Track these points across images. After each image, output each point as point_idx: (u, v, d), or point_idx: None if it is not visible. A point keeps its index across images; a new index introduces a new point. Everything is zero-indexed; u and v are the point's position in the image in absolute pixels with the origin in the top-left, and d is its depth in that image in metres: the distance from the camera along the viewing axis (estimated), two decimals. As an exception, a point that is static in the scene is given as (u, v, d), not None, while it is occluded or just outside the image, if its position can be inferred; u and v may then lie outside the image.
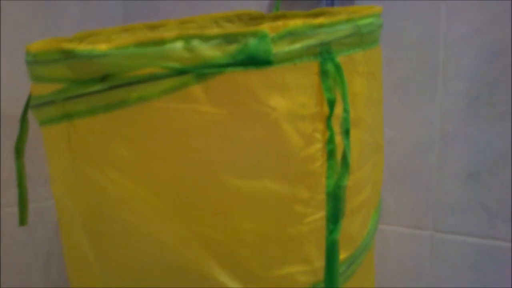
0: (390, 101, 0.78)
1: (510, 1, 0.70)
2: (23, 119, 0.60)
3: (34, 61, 0.51)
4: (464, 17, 0.74)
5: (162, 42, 0.44)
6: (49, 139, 0.55)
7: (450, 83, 0.75)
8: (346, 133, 0.48)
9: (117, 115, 0.47)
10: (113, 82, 0.46)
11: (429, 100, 0.77)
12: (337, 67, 0.48)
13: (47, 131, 0.55)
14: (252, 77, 0.45)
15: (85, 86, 0.47)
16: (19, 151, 0.61)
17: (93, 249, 0.52)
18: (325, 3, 0.79)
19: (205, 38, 0.44)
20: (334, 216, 0.48)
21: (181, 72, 0.44)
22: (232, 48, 0.44)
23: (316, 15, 0.64)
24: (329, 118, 0.48)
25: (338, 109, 0.49)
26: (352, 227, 0.54)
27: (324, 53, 0.48)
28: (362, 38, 0.52)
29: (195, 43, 0.44)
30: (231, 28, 0.75)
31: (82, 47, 0.46)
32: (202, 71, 0.44)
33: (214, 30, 0.43)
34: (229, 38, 0.44)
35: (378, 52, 0.58)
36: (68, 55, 0.47)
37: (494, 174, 0.75)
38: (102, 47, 0.46)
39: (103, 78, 0.46)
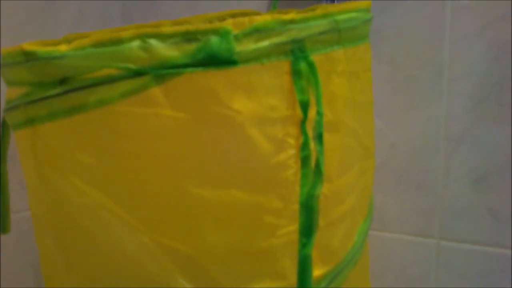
0: (394, 101, 0.77)
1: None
2: (4, 125, 0.59)
3: (4, 64, 0.50)
4: (470, 14, 0.72)
5: (119, 41, 0.41)
6: (19, 144, 0.54)
7: (456, 83, 0.73)
8: (319, 138, 0.45)
9: (77, 120, 0.45)
10: (72, 84, 0.44)
11: (434, 100, 0.75)
12: (311, 66, 0.45)
13: (17, 136, 0.53)
14: (214, 78, 0.42)
15: (45, 89, 0.45)
16: (1, 158, 0.60)
17: (61, 257, 0.51)
18: (325, 1, 0.76)
19: (163, 37, 0.41)
20: (307, 229, 0.45)
21: (138, 73, 0.42)
22: (192, 47, 0.41)
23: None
24: (303, 122, 0.45)
25: (313, 112, 0.46)
26: (333, 239, 0.50)
27: (296, 51, 0.45)
28: (341, 35, 0.48)
29: (152, 42, 0.41)
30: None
31: (42, 49, 0.44)
32: (160, 72, 0.41)
33: (173, 28, 0.40)
34: (188, 36, 0.41)
35: (365, 50, 0.54)
36: (29, 57, 0.45)
37: (503, 178, 0.72)
38: (62, 48, 0.44)
39: (62, 81, 0.44)
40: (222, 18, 0.73)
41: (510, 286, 0.72)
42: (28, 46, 0.46)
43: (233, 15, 0.73)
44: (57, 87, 0.44)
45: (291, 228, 0.47)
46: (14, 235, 0.80)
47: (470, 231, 0.74)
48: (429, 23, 0.74)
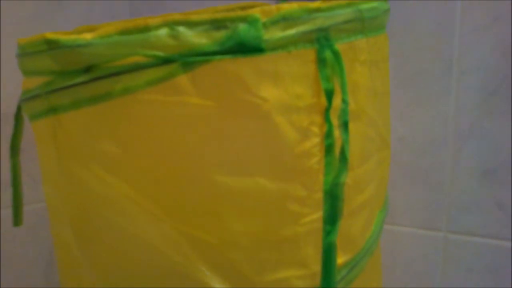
0: (402, 95, 0.76)
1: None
2: (18, 116, 0.58)
3: (23, 53, 0.50)
4: (480, 8, 0.71)
5: (146, 29, 0.41)
6: (37, 134, 0.53)
7: (465, 77, 0.73)
8: (345, 126, 0.45)
9: (101, 108, 0.44)
10: (97, 73, 0.44)
11: (443, 94, 0.75)
12: (336, 55, 0.45)
13: (35, 126, 0.53)
14: (242, 65, 0.42)
15: (69, 78, 0.45)
16: (14, 149, 0.60)
17: (81, 249, 0.50)
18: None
19: (191, 24, 0.41)
20: (332, 216, 0.45)
21: (166, 60, 0.41)
22: (220, 34, 0.41)
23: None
24: (327, 110, 0.45)
25: (337, 101, 0.46)
26: (353, 228, 0.50)
27: (321, 40, 0.45)
28: (365, 24, 0.48)
29: (181, 29, 0.41)
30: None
31: (66, 37, 0.44)
32: (188, 59, 0.41)
33: (201, 15, 0.40)
34: (216, 24, 0.41)
35: (384, 40, 0.55)
36: (52, 46, 0.45)
37: (511, 172, 0.72)
38: (87, 36, 0.44)
39: (87, 69, 0.44)
40: (232, 11, 0.73)
41: (518, 279, 0.72)
42: (51, 35, 0.45)
43: (243, 8, 0.73)
44: (82, 75, 0.44)
45: (315, 217, 0.47)
46: (23, 228, 0.80)
47: (478, 225, 0.74)
48: (439, 17, 0.74)
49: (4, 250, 0.79)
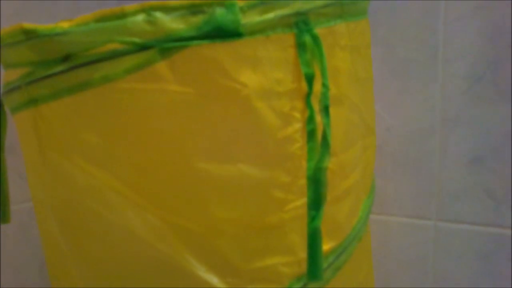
0: (389, 84, 0.76)
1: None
2: (1, 110, 0.58)
3: (2, 45, 0.49)
4: None
5: (122, 15, 0.41)
6: (19, 127, 0.53)
7: (451, 64, 0.73)
8: (326, 110, 0.44)
9: (81, 98, 0.44)
10: (75, 61, 0.43)
11: (430, 82, 0.75)
12: (315, 39, 0.45)
13: (17, 119, 0.52)
14: (219, 50, 0.42)
15: (48, 68, 0.44)
16: None
17: (66, 241, 0.49)
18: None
19: (168, 10, 0.40)
20: (315, 202, 0.45)
21: (143, 47, 0.41)
22: (197, 19, 0.41)
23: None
24: (308, 95, 0.45)
25: (318, 86, 0.45)
26: (339, 214, 0.50)
27: (300, 24, 0.44)
28: (344, 9, 0.48)
29: (157, 15, 0.41)
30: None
31: (43, 26, 0.44)
32: (166, 45, 0.41)
33: (178, 1, 0.40)
34: (193, 9, 0.41)
35: (365, 25, 0.54)
36: (30, 35, 0.45)
37: (499, 159, 0.72)
38: (64, 24, 0.43)
39: (65, 58, 0.43)
40: None
41: (508, 265, 0.72)
42: (28, 25, 0.45)
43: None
44: (60, 65, 0.43)
45: (299, 203, 0.47)
46: (13, 226, 0.80)
47: (467, 212, 0.74)
48: (423, 5, 0.74)
49: (2, 250, 0.78)
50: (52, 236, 0.52)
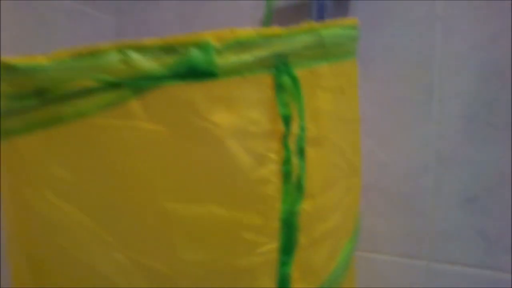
0: (384, 121, 0.76)
1: (509, 18, 0.66)
2: None
3: None
4: (460, 35, 0.72)
5: (97, 53, 0.40)
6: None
7: (446, 103, 0.73)
8: (301, 152, 0.43)
9: (54, 133, 0.44)
10: (49, 96, 0.43)
11: (425, 120, 0.74)
12: (294, 81, 0.44)
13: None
14: (192, 90, 0.41)
15: (22, 101, 0.44)
16: None
17: (32, 275, 0.48)
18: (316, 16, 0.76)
19: (142, 49, 0.40)
20: (287, 246, 0.43)
21: (116, 85, 0.41)
22: (171, 59, 0.40)
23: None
24: (285, 136, 0.44)
25: (296, 127, 0.45)
26: (316, 258, 0.49)
27: (279, 65, 0.44)
28: (327, 50, 0.47)
29: (131, 54, 0.40)
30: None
31: (21, 61, 0.43)
32: (138, 84, 0.40)
33: (152, 41, 0.39)
34: (168, 49, 0.40)
35: (351, 65, 0.53)
36: (9, 70, 0.44)
37: (493, 199, 0.71)
38: (41, 60, 0.43)
39: (40, 92, 0.43)
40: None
41: (501, 310, 0.70)
42: (7, 59, 0.45)
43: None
44: (34, 99, 0.43)
45: (272, 246, 0.46)
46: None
47: (460, 253, 0.73)
48: (419, 43, 0.74)
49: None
50: (20, 271, 0.51)
